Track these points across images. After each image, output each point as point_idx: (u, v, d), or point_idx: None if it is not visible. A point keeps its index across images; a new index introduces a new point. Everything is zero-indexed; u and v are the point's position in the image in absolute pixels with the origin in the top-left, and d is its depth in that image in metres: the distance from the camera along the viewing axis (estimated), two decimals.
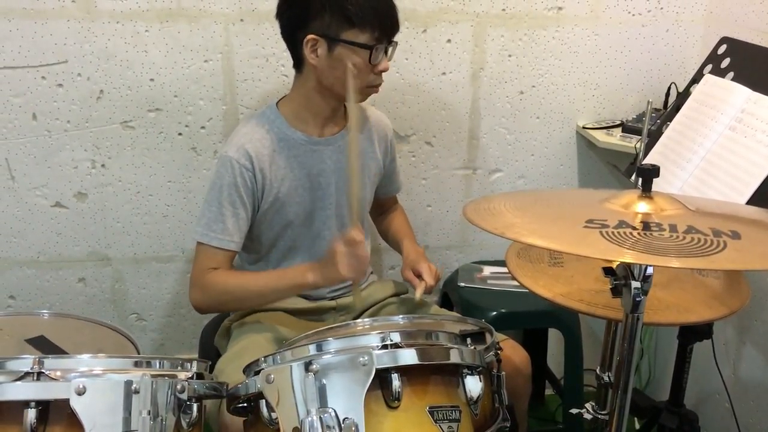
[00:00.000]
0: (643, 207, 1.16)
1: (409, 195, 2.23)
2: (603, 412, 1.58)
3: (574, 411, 1.61)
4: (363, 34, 1.57)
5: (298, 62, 1.68)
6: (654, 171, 1.17)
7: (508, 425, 1.36)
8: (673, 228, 1.08)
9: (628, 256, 1.01)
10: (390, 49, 1.65)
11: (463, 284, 2.15)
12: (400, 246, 1.91)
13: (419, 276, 1.75)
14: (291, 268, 1.70)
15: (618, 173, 2.20)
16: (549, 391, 2.52)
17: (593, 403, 1.61)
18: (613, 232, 1.05)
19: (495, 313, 2.00)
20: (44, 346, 1.49)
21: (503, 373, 1.36)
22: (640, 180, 1.18)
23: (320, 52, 1.60)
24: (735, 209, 1.35)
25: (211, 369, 1.53)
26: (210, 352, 1.84)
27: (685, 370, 1.73)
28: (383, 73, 1.66)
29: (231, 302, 1.71)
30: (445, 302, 2.23)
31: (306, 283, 1.60)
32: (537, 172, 2.29)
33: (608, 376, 1.59)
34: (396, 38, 1.66)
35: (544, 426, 2.40)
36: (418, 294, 1.71)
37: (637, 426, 2.14)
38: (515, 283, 2.06)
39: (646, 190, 1.17)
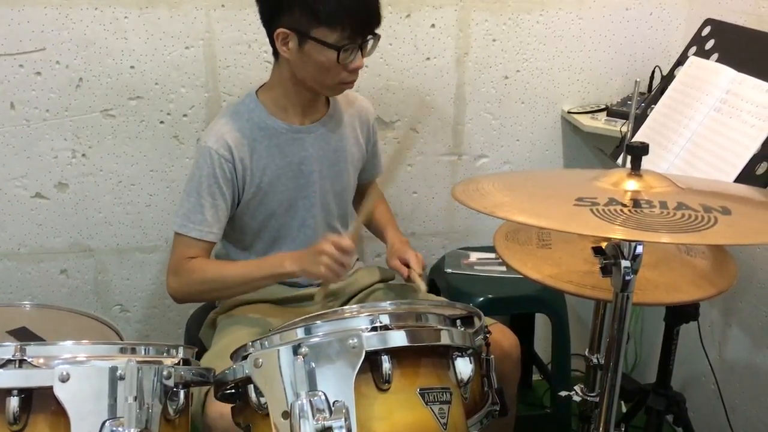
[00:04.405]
0: (632, 185, 1.16)
1: (395, 182, 2.22)
2: (592, 394, 1.59)
3: (563, 393, 1.61)
4: (332, 34, 1.53)
5: (275, 51, 1.65)
6: (643, 149, 1.16)
7: (498, 409, 1.36)
8: (663, 205, 1.07)
9: (619, 233, 1.00)
10: (370, 44, 1.60)
11: (449, 270, 2.14)
12: (384, 234, 1.89)
13: (406, 265, 1.74)
14: (270, 256, 1.68)
15: (604, 157, 2.20)
16: (536, 376, 2.53)
17: (582, 386, 1.62)
18: (603, 210, 1.05)
19: (482, 298, 2.00)
20: (26, 336, 1.47)
21: (492, 356, 1.36)
22: (629, 158, 1.17)
23: (291, 46, 1.57)
24: (724, 187, 1.35)
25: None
26: (196, 343, 1.82)
27: (672, 352, 1.73)
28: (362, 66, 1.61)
29: (208, 292, 1.69)
30: (432, 288, 2.22)
31: (284, 271, 1.59)
32: (522, 158, 2.29)
33: (597, 358, 1.60)
34: (378, 31, 1.60)
35: (532, 411, 2.40)
36: (419, 282, 1.71)
37: (624, 409, 2.15)
38: (502, 268, 2.09)
39: (636, 168, 1.17)
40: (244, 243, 1.78)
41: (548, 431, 2.21)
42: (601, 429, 1.27)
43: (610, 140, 2.08)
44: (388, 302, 1.30)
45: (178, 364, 1.14)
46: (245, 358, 1.13)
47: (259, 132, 1.68)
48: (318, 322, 1.16)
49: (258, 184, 1.70)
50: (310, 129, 1.73)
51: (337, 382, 1.07)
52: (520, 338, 1.78)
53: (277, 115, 1.70)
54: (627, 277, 1.12)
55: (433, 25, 2.11)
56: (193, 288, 1.66)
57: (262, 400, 1.10)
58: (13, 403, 1.00)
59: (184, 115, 2.06)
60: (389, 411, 1.10)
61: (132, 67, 1.99)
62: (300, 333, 1.14)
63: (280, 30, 1.56)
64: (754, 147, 1.48)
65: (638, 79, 1.64)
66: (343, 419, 1.04)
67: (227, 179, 1.66)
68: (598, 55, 2.22)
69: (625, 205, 1.07)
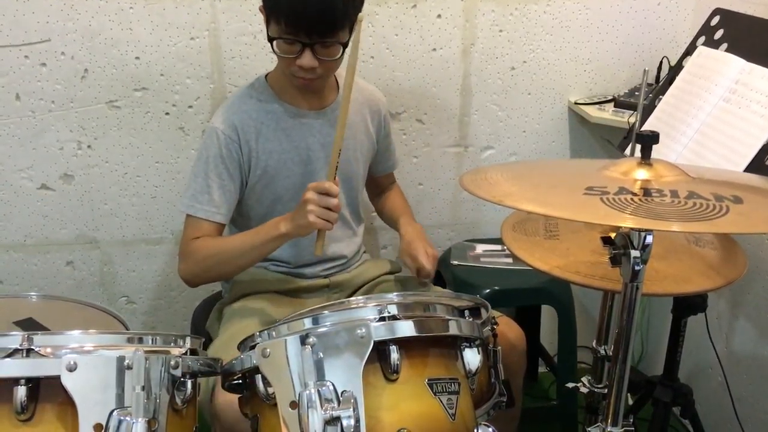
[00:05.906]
0: (642, 174, 1.15)
1: (401, 173, 2.20)
2: (599, 386, 1.58)
3: (570, 385, 1.61)
4: (273, 24, 1.53)
5: None
6: (654, 137, 1.15)
7: (505, 400, 1.35)
8: (674, 194, 1.06)
9: (630, 222, 1.00)
10: (325, 48, 1.54)
11: (455, 262, 2.13)
12: (397, 225, 1.87)
13: (418, 269, 1.72)
14: (265, 223, 1.65)
15: (611, 148, 2.19)
16: (542, 368, 2.52)
17: (589, 378, 1.61)
18: (613, 199, 1.04)
19: (488, 290, 1.99)
20: (33, 327, 1.47)
21: (499, 348, 1.35)
22: (639, 147, 1.17)
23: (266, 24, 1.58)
24: (735, 176, 1.34)
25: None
26: (202, 335, 1.81)
27: (680, 344, 1.72)
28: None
29: (214, 266, 1.66)
30: (438, 280, 2.22)
31: (279, 233, 1.57)
32: (529, 149, 2.28)
33: (604, 349, 1.59)
34: (334, 39, 1.53)
35: (538, 403, 2.40)
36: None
37: (631, 401, 2.14)
38: (508, 260, 2.09)
39: (646, 157, 1.16)
40: (250, 228, 1.77)
41: (554, 423, 2.20)
42: (609, 420, 1.26)
43: (617, 131, 2.06)
44: (394, 294, 1.30)
45: (186, 354, 1.14)
46: (253, 348, 1.13)
47: (266, 115, 1.68)
48: (325, 312, 1.15)
49: (264, 168, 1.69)
50: (318, 115, 1.72)
51: (345, 372, 1.06)
52: (527, 330, 1.77)
53: (285, 99, 1.69)
54: (636, 267, 1.11)
55: (439, 16, 2.09)
56: (199, 266, 1.66)
57: (270, 390, 1.09)
58: (21, 392, 1.00)
59: (190, 107, 2.06)
60: (397, 401, 1.10)
61: (137, 58, 1.98)
62: (308, 323, 1.13)
63: (260, 5, 1.58)
64: (763, 137, 1.47)
65: (647, 69, 1.63)
66: (351, 409, 1.03)
67: (234, 159, 1.65)
68: (605, 45, 2.20)
69: (635, 194, 1.07)
